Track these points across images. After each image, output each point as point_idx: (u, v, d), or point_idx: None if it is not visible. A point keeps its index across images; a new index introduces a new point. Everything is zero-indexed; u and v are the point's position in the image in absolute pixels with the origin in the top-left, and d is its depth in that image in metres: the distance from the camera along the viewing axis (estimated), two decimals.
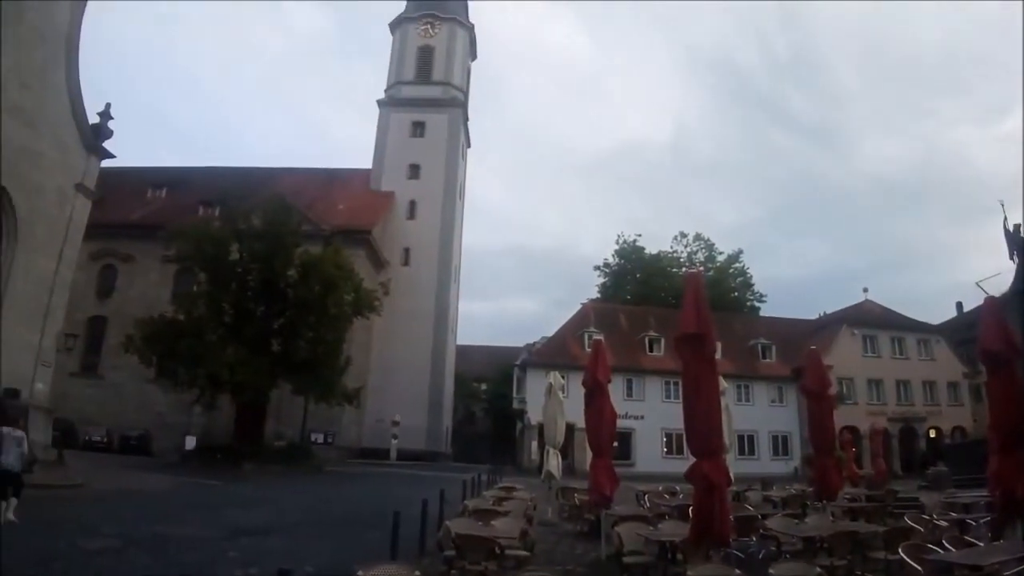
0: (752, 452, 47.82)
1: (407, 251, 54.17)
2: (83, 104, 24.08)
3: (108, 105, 25.30)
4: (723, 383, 12.71)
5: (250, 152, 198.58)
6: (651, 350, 51.22)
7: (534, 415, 43.32)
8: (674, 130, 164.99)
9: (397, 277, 49.24)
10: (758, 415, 48.45)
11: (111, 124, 25.18)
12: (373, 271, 47.11)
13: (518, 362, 54.75)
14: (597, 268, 75.48)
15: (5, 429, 12.20)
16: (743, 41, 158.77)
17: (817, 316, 59.94)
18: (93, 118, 24.55)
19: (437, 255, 54.62)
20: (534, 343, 55.10)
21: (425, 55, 60.92)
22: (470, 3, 66.19)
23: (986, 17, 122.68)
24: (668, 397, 46.30)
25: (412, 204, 55.41)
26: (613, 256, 74.85)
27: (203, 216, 42.23)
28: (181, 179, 52.27)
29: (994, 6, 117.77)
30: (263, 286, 33.16)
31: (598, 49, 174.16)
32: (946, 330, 53.90)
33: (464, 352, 68.38)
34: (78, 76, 23.75)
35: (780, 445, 49.87)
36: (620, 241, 74.96)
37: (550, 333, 53.98)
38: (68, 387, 35.34)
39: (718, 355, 33.77)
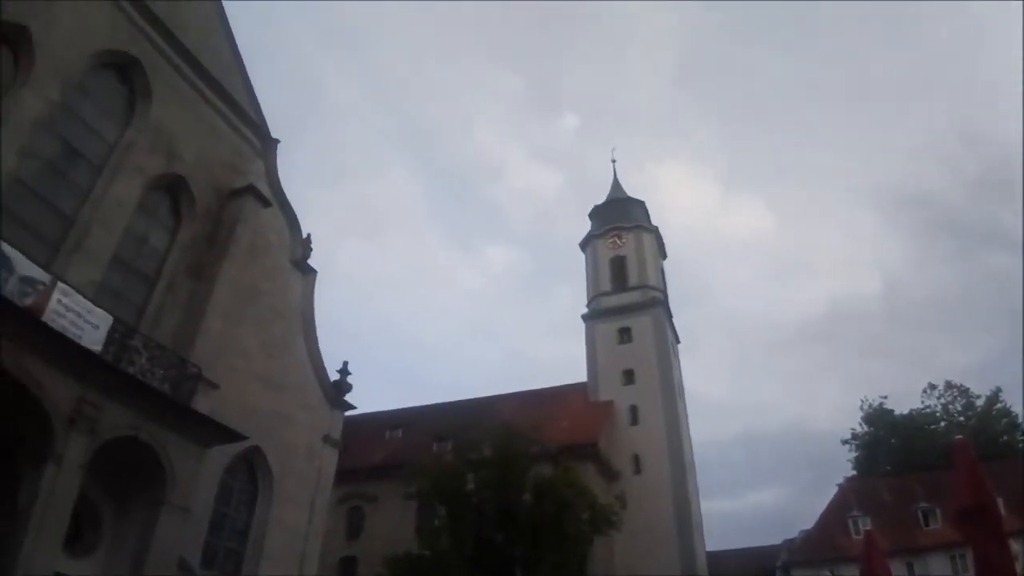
0: None
1: (636, 458, 52.53)
2: (324, 365, 26.79)
3: (345, 363, 28.04)
4: (1015, 547, 10.75)
5: (469, 385, 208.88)
6: (927, 523, 44.98)
7: None
8: (882, 278, 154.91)
9: (631, 487, 47.66)
10: None
11: (349, 379, 27.70)
12: (605, 484, 45.77)
13: (779, 563, 49.95)
14: (845, 442, 69.05)
15: None
16: (927, 169, 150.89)
17: None
18: (332, 374, 27.10)
19: (668, 457, 52.33)
20: (793, 539, 50.49)
21: (618, 264, 62.96)
22: (650, 208, 68.84)
23: None
24: (958, 574, 39.93)
25: (633, 409, 54.48)
26: (860, 425, 68.62)
27: (437, 451, 43.99)
28: (414, 418, 55.49)
29: None
30: (500, 514, 33.11)
31: (782, 219, 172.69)
32: None
33: (715, 559, 62.83)
34: (316, 341, 26.64)
35: None
36: (864, 407, 69.02)
37: (806, 524, 49.40)
38: None
39: (1002, 512, 29.05)
